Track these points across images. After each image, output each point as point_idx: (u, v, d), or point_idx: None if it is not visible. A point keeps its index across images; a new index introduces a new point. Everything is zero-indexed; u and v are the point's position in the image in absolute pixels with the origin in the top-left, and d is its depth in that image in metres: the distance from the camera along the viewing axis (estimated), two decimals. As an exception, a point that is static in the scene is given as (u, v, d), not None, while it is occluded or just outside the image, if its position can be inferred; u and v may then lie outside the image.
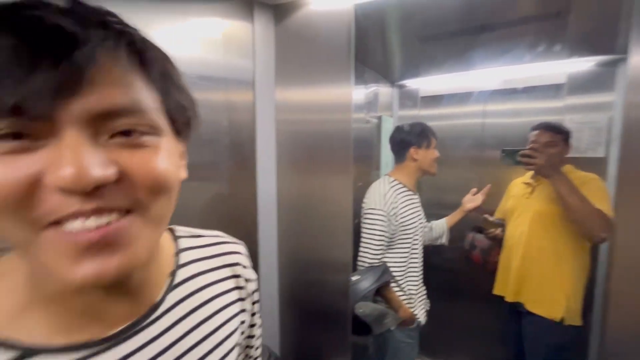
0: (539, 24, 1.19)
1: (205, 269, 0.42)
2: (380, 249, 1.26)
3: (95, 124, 0.24)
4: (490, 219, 1.50)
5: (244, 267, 0.47)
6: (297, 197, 1.02)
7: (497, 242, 1.50)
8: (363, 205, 1.35)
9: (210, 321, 0.39)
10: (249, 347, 0.49)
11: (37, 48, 0.21)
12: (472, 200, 1.56)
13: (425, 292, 1.48)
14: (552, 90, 1.69)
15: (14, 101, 0.21)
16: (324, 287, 1.00)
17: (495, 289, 1.49)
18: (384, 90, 2.05)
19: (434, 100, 2.08)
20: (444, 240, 1.62)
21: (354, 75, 0.84)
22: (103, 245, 0.25)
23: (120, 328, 0.31)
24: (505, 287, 1.43)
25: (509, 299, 1.41)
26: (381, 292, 1.24)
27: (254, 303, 0.48)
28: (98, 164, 0.23)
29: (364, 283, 1.15)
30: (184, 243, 0.42)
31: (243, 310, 0.45)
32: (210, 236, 0.46)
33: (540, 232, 1.32)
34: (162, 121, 0.29)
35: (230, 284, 0.44)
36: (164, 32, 0.72)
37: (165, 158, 0.28)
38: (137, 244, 0.27)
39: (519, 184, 1.50)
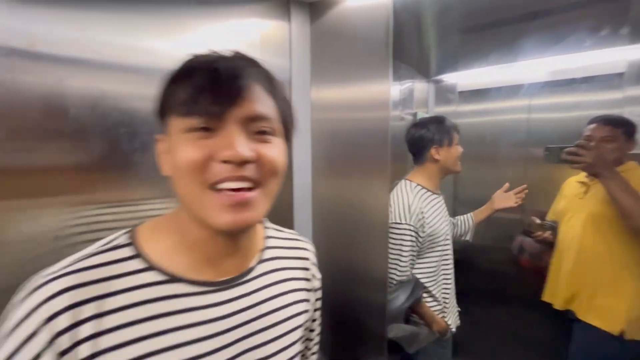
0: (595, 7, 1.09)
1: (283, 255, 0.53)
2: (409, 265, 1.16)
3: (246, 124, 0.39)
4: (538, 221, 1.40)
5: (313, 264, 0.57)
6: (332, 200, 1.00)
7: (548, 246, 1.40)
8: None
9: (282, 297, 0.49)
10: (308, 339, 0.58)
11: (220, 78, 0.37)
12: (503, 198, 1.44)
13: (454, 296, 1.40)
14: (610, 80, 1.54)
15: (210, 108, 0.36)
16: (358, 306, 0.96)
17: (544, 294, 1.39)
18: (420, 86, 1.98)
19: (474, 94, 1.98)
20: (468, 237, 1.51)
21: (392, 71, 0.82)
22: (240, 205, 0.38)
23: (228, 277, 0.44)
24: (555, 293, 1.33)
25: (559, 306, 1.31)
26: (413, 307, 1.16)
27: (317, 300, 0.58)
28: (246, 149, 0.37)
29: (395, 302, 1.05)
30: (270, 232, 0.54)
31: (307, 301, 0.54)
32: (288, 232, 0.58)
33: (594, 235, 1.21)
34: (278, 127, 0.43)
35: (300, 274, 0.54)
36: (203, 35, 0.74)
37: (279, 152, 0.42)
38: (258, 208, 0.40)
39: (573, 183, 1.38)
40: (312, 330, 0.59)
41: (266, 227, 0.54)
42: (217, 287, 0.43)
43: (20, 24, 0.49)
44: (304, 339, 0.56)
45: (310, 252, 0.58)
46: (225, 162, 0.37)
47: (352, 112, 0.93)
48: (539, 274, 1.42)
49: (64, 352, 0.33)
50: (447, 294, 1.27)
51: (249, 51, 0.83)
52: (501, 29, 1.25)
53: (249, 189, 0.38)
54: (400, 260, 1.13)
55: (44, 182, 0.53)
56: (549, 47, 1.45)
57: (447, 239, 1.29)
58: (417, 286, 1.13)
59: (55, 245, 0.54)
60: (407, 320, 1.17)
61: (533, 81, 1.73)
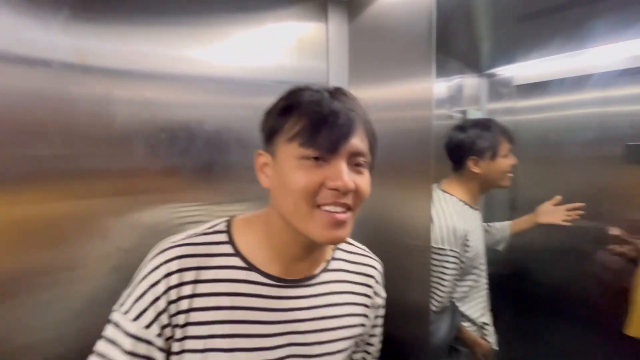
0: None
1: (348, 269, 0.58)
2: (448, 294, 1.02)
3: (349, 157, 0.46)
4: (617, 233, 1.20)
5: (377, 282, 0.61)
6: (371, 211, 0.95)
7: (633, 264, 1.18)
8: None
9: (338, 307, 0.54)
10: (366, 352, 0.64)
11: (337, 118, 0.44)
12: (549, 212, 1.22)
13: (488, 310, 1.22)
14: None
15: (328, 145, 0.44)
16: (397, 338, 0.88)
17: (627, 327, 1.11)
18: (470, 82, 1.85)
19: (533, 88, 1.79)
20: (501, 247, 1.34)
21: (435, 67, 0.76)
22: (338, 224, 0.45)
23: (294, 278, 0.52)
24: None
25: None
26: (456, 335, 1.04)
27: (376, 317, 0.62)
28: (350, 181, 0.44)
29: (436, 336, 0.92)
30: (340, 245, 0.60)
31: (365, 316, 0.58)
32: (358, 247, 0.63)
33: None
34: (369, 159, 0.50)
35: (362, 289, 0.58)
36: (240, 42, 0.75)
37: (368, 182, 0.49)
38: (348, 228, 0.47)
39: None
40: (370, 344, 0.64)
41: None
42: (283, 284, 0.51)
43: (72, 41, 0.54)
44: (360, 351, 0.63)
45: (376, 270, 0.61)
46: (332, 189, 0.44)
47: (392, 112, 0.88)
48: (618, 299, 1.19)
49: (171, 302, 0.45)
50: (484, 312, 1.13)
51: (286, 54, 0.84)
52: (565, 12, 1.10)
53: (344, 212, 0.45)
54: (440, 290, 0.99)
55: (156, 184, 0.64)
56: (625, 29, 1.25)
57: (484, 259, 1.14)
58: (455, 313, 1.01)
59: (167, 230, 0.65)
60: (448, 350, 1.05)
61: (607, 70, 1.51)
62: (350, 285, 0.57)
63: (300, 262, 0.52)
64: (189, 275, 0.46)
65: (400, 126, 0.86)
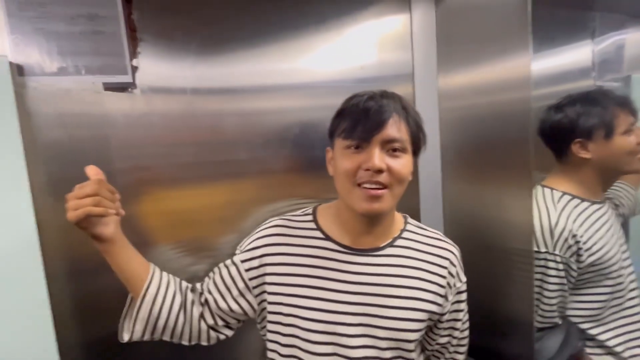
0: None
1: (419, 248, 0.65)
2: (557, 307, 0.84)
3: (384, 144, 0.56)
4: None
5: (452, 264, 0.65)
6: (466, 210, 0.90)
7: None
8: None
9: (406, 279, 0.62)
10: (452, 337, 0.69)
11: (369, 114, 0.56)
12: None
13: None
14: None
15: (361, 135, 0.55)
16: (498, 353, 0.82)
17: None
18: (637, 38, 1.40)
19: None
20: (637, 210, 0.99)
21: (531, 40, 0.66)
22: (373, 198, 0.56)
23: (361, 247, 0.63)
24: None
25: None
26: None
27: (458, 302, 0.67)
28: (380, 162, 0.55)
29: (540, 357, 0.78)
30: (409, 227, 0.68)
31: (442, 296, 0.63)
32: (433, 231, 0.69)
33: None
34: (408, 145, 0.58)
35: (436, 269, 0.64)
36: (322, 49, 0.84)
37: (405, 165, 0.58)
38: (385, 202, 0.57)
39: None
40: (455, 329, 0.69)
41: (408, 223, 0.69)
42: (352, 252, 0.63)
43: (197, 72, 0.76)
44: (446, 335, 0.68)
45: (451, 253, 0.66)
46: (367, 170, 0.55)
47: (484, 96, 0.81)
48: None
49: (264, 255, 0.64)
50: (629, 340, 0.85)
51: (368, 53, 0.89)
52: None
53: (380, 189, 0.56)
54: (542, 302, 0.83)
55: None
56: None
57: (624, 266, 0.87)
58: (571, 334, 0.81)
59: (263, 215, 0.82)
60: None
61: None
62: (421, 263, 0.64)
63: (365, 235, 0.63)
64: (283, 239, 0.65)
65: (494, 111, 0.79)
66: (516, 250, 0.77)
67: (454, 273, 0.65)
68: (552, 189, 0.89)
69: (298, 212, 0.70)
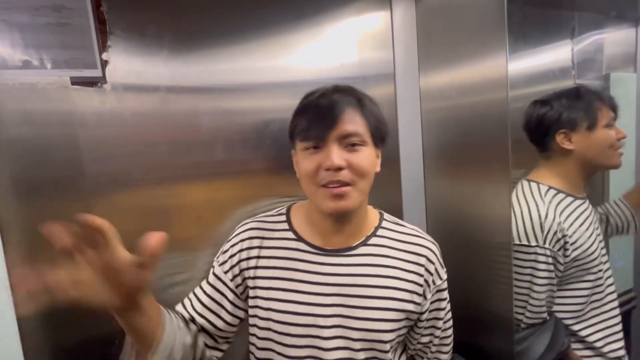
0: None
1: (394, 246, 0.64)
2: (546, 303, 0.86)
3: (341, 140, 0.55)
4: None
5: (430, 261, 0.64)
6: (448, 206, 0.91)
7: None
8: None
9: (381, 279, 0.61)
10: (434, 336, 0.68)
11: (322, 111, 0.55)
12: None
13: (622, 338, 0.94)
14: None
15: (316, 134, 0.55)
16: (479, 348, 0.83)
17: None
18: (615, 37, 1.44)
19: None
20: (631, 231, 1.06)
21: (507, 41, 0.67)
22: (338, 196, 0.55)
23: (333, 248, 0.63)
24: None
25: None
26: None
27: (439, 300, 0.66)
28: (339, 159, 0.54)
29: (530, 354, 0.79)
30: (385, 224, 0.67)
31: (419, 294, 0.62)
32: (410, 228, 0.68)
33: None
34: (367, 138, 0.58)
35: (413, 267, 0.63)
36: (302, 46, 0.83)
37: (366, 158, 0.57)
38: (351, 199, 0.56)
39: None
40: (436, 327, 0.67)
41: (384, 219, 0.68)
42: (324, 252, 0.63)
43: (170, 69, 0.73)
44: (427, 334, 0.67)
45: (429, 250, 0.65)
46: (327, 169, 0.55)
47: (464, 97, 0.82)
48: None
49: (242, 260, 0.63)
50: (608, 335, 0.90)
51: (350, 51, 0.88)
52: None
53: (344, 186, 0.55)
54: (532, 297, 0.84)
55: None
56: None
57: (603, 261, 0.91)
58: (559, 330, 0.83)
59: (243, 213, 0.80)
60: None
61: None
62: (396, 262, 0.63)
63: (335, 235, 0.63)
64: (257, 242, 0.64)
65: (474, 111, 0.80)
66: (496, 243, 0.78)
67: (432, 270, 0.64)
68: (538, 183, 0.92)
69: (273, 212, 0.70)
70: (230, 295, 0.64)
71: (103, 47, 0.69)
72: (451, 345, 0.72)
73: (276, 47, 0.81)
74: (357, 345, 0.59)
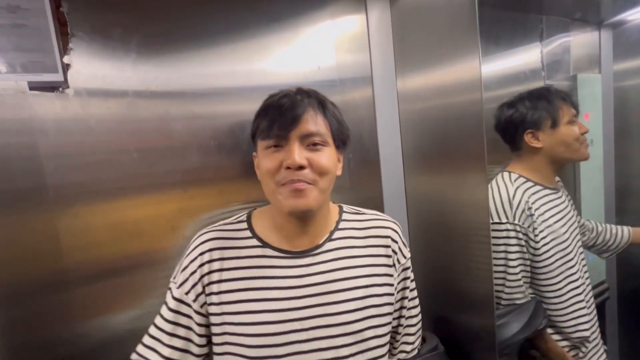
0: None
1: (358, 235, 0.66)
2: (520, 279, 0.92)
3: (303, 139, 0.56)
4: None
5: (394, 240, 0.67)
6: (428, 198, 0.94)
7: None
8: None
9: (352, 270, 0.63)
10: (402, 317, 0.70)
11: (283, 111, 0.56)
12: None
13: (598, 330, 1.03)
14: None
15: (278, 132, 0.56)
16: (460, 330, 0.86)
17: None
18: (582, 40, 1.53)
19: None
20: (608, 255, 1.18)
21: (479, 43, 0.70)
22: (298, 195, 0.55)
23: (300, 250, 0.62)
24: None
25: None
26: (534, 342, 0.94)
27: (405, 279, 0.69)
28: (301, 158, 0.55)
29: (505, 331, 0.84)
30: (345, 216, 0.69)
31: (390, 275, 0.65)
32: (369, 213, 0.71)
33: None
34: (329, 139, 0.59)
35: (380, 250, 0.66)
36: (277, 49, 0.83)
37: (328, 157, 0.58)
38: (311, 197, 0.56)
39: None
40: (404, 307, 0.69)
41: (344, 212, 0.70)
42: (292, 255, 0.62)
43: (139, 74, 0.71)
44: (397, 317, 0.69)
45: (391, 230, 0.68)
46: (287, 168, 0.55)
47: (441, 99, 0.85)
48: None
49: (204, 275, 0.59)
50: (583, 327, 0.95)
51: (326, 55, 0.89)
52: None
53: (304, 183, 0.55)
54: (508, 273, 0.91)
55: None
56: None
57: (573, 250, 0.97)
58: (537, 312, 0.88)
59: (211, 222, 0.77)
60: (523, 357, 0.94)
61: None
62: (364, 249, 0.65)
63: (301, 236, 0.63)
64: (217, 254, 0.61)
65: (451, 112, 0.82)
66: (474, 224, 0.81)
67: (397, 249, 0.67)
68: (510, 172, 1.01)
69: (231, 220, 0.67)
70: (197, 323, 0.60)
71: (64, 50, 0.66)
72: (418, 327, 0.73)
73: (250, 51, 0.80)
74: (339, 341, 0.59)
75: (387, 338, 0.64)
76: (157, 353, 0.59)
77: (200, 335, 0.60)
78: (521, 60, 1.32)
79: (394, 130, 0.97)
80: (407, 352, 0.72)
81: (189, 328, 0.60)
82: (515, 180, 0.98)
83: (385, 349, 0.65)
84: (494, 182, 1.01)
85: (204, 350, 0.62)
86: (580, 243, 1.02)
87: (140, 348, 0.61)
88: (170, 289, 0.62)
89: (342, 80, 0.90)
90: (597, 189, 1.54)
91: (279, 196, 0.57)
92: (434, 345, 0.79)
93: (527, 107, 0.97)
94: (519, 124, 0.98)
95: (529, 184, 0.98)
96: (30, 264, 0.65)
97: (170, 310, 0.60)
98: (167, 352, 0.59)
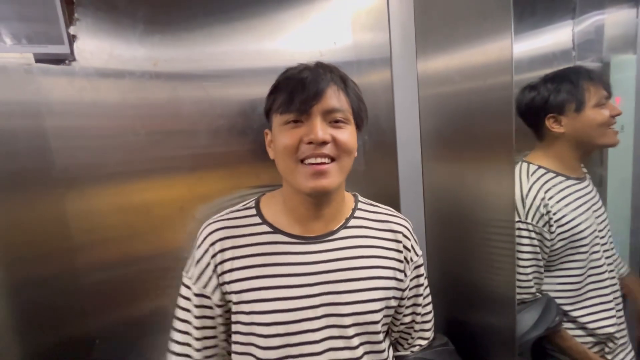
0: None
1: (371, 226, 0.66)
2: (533, 278, 0.89)
3: (324, 115, 0.55)
4: None
5: (406, 237, 0.67)
6: (446, 187, 0.91)
7: None
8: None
9: (364, 259, 0.62)
10: (415, 314, 0.70)
11: (305, 84, 0.54)
12: None
13: (625, 329, 0.98)
14: None
15: (299, 106, 0.54)
16: (476, 329, 0.85)
17: None
18: (616, 18, 1.45)
19: None
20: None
21: (512, 20, 0.66)
22: (319, 174, 0.54)
23: (314, 235, 0.62)
24: None
25: None
26: (552, 341, 0.91)
27: (417, 276, 0.68)
28: (324, 133, 0.53)
29: (517, 329, 0.80)
30: (361, 205, 0.69)
31: (400, 271, 0.65)
32: (384, 208, 0.71)
33: None
34: (350, 116, 0.58)
35: (392, 245, 0.66)
36: (291, 26, 0.80)
37: (350, 135, 0.57)
38: (332, 177, 0.55)
39: None
40: (417, 305, 0.70)
41: (359, 201, 0.69)
42: (305, 241, 0.61)
43: (146, 51, 0.69)
44: (409, 313, 0.70)
45: (404, 227, 0.68)
46: (309, 143, 0.53)
47: (466, 82, 0.81)
48: None
49: (217, 265, 0.59)
50: (606, 323, 0.92)
51: (343, 34, 0.86)
52: None
53: (326, 163, 0.54)
54: (518, 272, 0.87)
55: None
56: None
57: (598, 242, 0.94)
58: (549, 308, 0.86)
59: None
60: (541, 358, 0.92)
61: None
62: (376, 241, 0.65)
63: (315, 221, 0.62)
64: (228, 243, 0.60)
65: (475, 96, 0.79)
66: (497, 222, 0.79)
67: (409, 246, 0.67)
68: (529, 163, 0.96)
69: (238, 207, 0.66)
70: (219, 311, 0.61)
71: (70, 20, 0.64)
72: (432, 322, 0.75)
73: (263, 28, 0.77)
74: (350, 331, 0.59)
75: (381, 335, 0.64)
76: (190, 347, 0.62)
77: (225, 319, 0.62)
78: (551, 39, 1.26)
79: (413, 114, 0.94)
80: (422, 346, 0.74)
81: (212, 320, 0.62)
82: (532, 174, 0.93)
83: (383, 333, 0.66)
84: (515, 173, 0.95)
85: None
86: (609, 233, 0.98)
87: (173, 346, 0.63)
88: (186, 284, 0.62)
89: (359, 61, 0.86)
90: (625, 180, 1.50)
91: (298, 175, 0.55)
92: (445, 341, 0.80)
93: (549, 90, 0.92)
94: (540, 108, 0.93)
95: (549, 175, 0.93)
96: (38, 245, 0.66)
97: (196, 306, 0.61)
98: (199, 345, 0.62)
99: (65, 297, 0.68)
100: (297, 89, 0.54)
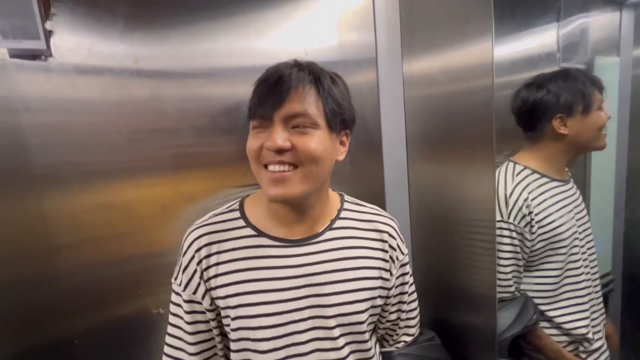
0: None
1: (357, 227, 0.66)
2: (512, 277, 0.90)
3: (287, 120, 0.53)
4: None
5: (392, 236, 0.67)
6: (431, 186, 0.93)
7: None
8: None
9: (350, 261, 0.62)
10: (401, 311, 0.71)
11: (270, 88, 0.53)
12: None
13: (601, 330, 0.99)
14: None
15: (262, 112, 0.54)
16: (459, 327, 0.87)
17: None
18: (601, 21, 1.49)
19: None
20: None
21: (493, 25, 0.67)
22: (279, 181, 0.53)
23: (298, 238, 0.61)
24: None
25: None
26: (528, 339, 0.93)
27: (403, 274, 0.69)
28: (281, 140, 0.52)
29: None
30: (347, 206, 0.68)
31: (386, 270, 0.65)
32: (370, 207, 0.71)
33: None
34: (320, 120, 0.55)
35: (378, 244, 0.66)
36: (273, 25, 0.80)
37: (317, 141, 0.54)
38: (293, 185, 0.54)
39: None
40: (402, 302, 0.70)
41: (345, 201, 0.69)
42: (290, 244, 0.61)
43: (127, 48, 0.68)
44: (395, 311, 0.70)
45: (389, 226, 0.68)
46: (268, 149, 0.53)
47: (450, 84, 0.82)
48: None
49: (203, 270, 0.59)
50: (580, 323, 0.93)
51: (327, 34, 0.85)
52: None
53: (287, 170, 0.53)
54: (499, 272, 0.87)
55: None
56: None
57: (577, 244, 0.95)
58: (527, 307, 0.88)
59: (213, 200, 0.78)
60: (518, 356, 0.94)
61: None
62: (361, 241, 0.65)
63: (298, 224, 0.61)
64: (213, 248, 0.60)
65: (458, 98, 0.80)
66: (479, 221, 0.80)
67: (395, 246, 0.67)
68: (515, 163, 0.96)
69: (222, 209, 0.65)
70: (214, 319, 0.61)
71: (46, 15, 0.63)
72: (417, 318, 0.76)
73: (247, 26, 0.77)
74: (336, 332, 0.60)
75: (367, 334, 0.64)
76: (184, 352, 0.61)
77: (218, 322, 0.62)
78: (536, 42, 1.28)
79: (399, 115, 0.95)
80: (407, 342, 0.75)
81: (205, 323, 0.62)
82: (517, 174, 0.94)
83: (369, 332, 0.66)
84: (495, 174, 0.96)
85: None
86: (590, 237, 1.00)
87: (168, 349, 0.63)
88: (176, 291, 0.61)
89: (345, 61, 0.87)
90: (607, 183, 1.53)
91: (262, 180, 0.56)
92: (431, 336, 0.81)
93: (560, 88, 0.90)
94: (549, 107, 0.90)
95: (534, 176, 0.94)
96: (17, 245, 0.65)
97: (187, 312, 0.60)
98: (193, 349, 0.61)
99: (46, 297, 0.68)
100: (263, 94, 0.54)
